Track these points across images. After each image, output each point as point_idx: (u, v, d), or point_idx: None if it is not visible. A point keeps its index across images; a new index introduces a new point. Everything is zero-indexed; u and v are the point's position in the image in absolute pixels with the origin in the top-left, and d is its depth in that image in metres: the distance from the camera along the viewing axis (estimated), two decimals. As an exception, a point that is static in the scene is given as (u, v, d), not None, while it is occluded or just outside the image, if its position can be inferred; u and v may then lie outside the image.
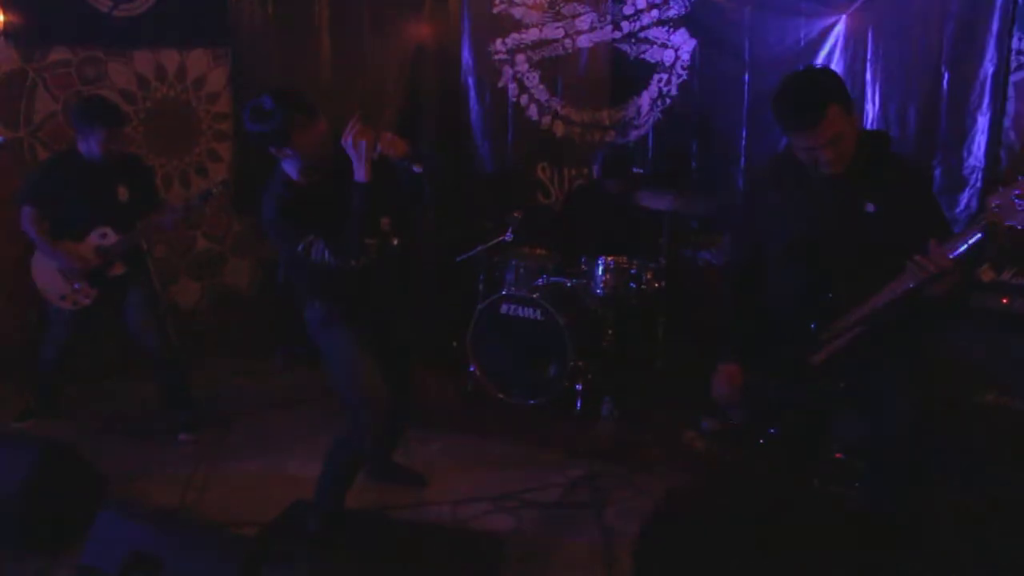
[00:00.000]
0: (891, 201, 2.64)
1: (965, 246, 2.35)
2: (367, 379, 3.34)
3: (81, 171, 4.31)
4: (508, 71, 6.12)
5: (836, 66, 4.98)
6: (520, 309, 5.01)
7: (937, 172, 4.86)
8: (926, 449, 2.64)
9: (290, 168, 3.26)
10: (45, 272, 4.43)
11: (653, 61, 5.63)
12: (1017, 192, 2.23)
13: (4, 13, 5.02)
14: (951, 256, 2.35)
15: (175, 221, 4.52)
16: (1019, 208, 2.21)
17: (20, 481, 3.43)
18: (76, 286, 4.41)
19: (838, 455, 3.94)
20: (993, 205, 2.25)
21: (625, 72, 5.77)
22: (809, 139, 2.60)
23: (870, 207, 2.65)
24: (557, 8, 5.89)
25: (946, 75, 4.77)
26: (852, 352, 2.64)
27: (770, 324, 2.87)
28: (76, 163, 4.32)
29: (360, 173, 3.10)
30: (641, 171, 5.70)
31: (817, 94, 2.59)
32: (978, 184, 4.77)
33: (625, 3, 5.65)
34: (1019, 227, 2.22)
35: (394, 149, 3.10)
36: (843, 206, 2.69)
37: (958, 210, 4.80)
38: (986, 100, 4.69)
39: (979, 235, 2.32)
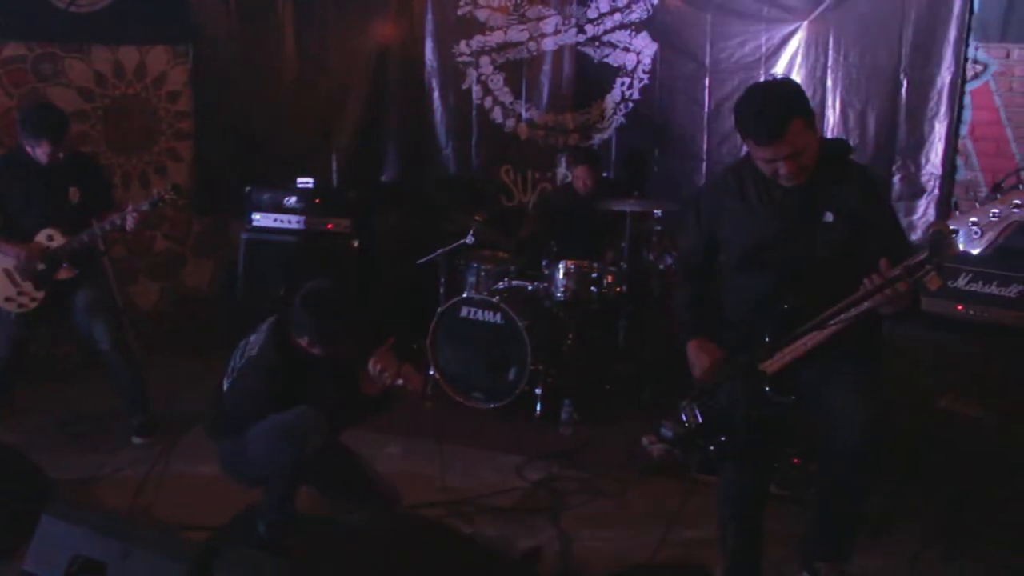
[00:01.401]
0: (849, 210, 2.65)
1: (909, 262, 2.36)
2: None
3: (30, 171, 4.24)
4: (472, 73, 6.11)
5: (797, 72, 5.04)
6: (480, 312, 4.99)
7: (896, 179, 4.92)
8: (877, 458, 2.65)
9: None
10: None
11: (616, 65, 5.66)
12: (973, 220, 2.24)
13: (-43, 8, 4.94)
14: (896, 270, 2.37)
15: (119, 226, 4.36)
16: (974, 236, 2.22)
17: (-36, 485, 3.36)
18: (21, 288, 4.32)
19: (795, 460, 3.96)
20: (940, 227, 2.26)
21: (589, 75, 5.79)
22: (770, 152, 2.61)
23: (828, 216, 2.65)
24: (522, 11, 5.89)
25: (905, 82, 4.84)
26: (805, 362, 2.64)
27: (724, 331, 2.88)
28: (25, 162, 4.25)
29: (369, 389, 3.40)
30: (605, 175, 5.72)
31: (780, 108, 2.59)
32: (936, 191, 4.84)
33: (589, 7, 5.67)
34: (974, 253, 2.22)
35: (410, 383, 3.43)
36: (802, 215, 2.69)
37: (915, 217, 4.86)
38: (943, 108, 4.76)
39: (923, 255, 2.33)
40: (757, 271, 2.78)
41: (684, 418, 2.84)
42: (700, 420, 2.76)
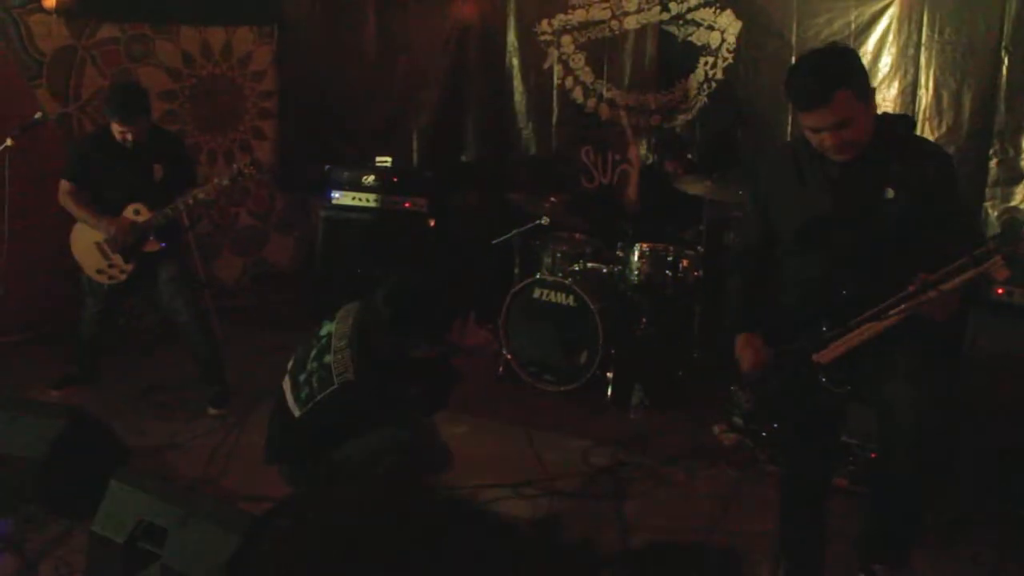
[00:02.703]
0: (910, 187, 2.51)
1: (957, 281, 2.22)
2: None
3: (117, 149, 4.40)
4: (553, 52, 6.04)
5: (888, 51, 4.79)
6: (553, 294, 4.96)
7: (992, 163, 4.63)
8: (935, 455, 2.51)
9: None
10: (83, 246, 4.53)
11: (699, 44, 5.49)
12: None
13: (57, -10, 5.13)
14: (942, 290, 2.24)
15: (204, 201, 4.53)
16: None
17: (46, 448, 3.50)
18: (112, 261, 4.49)
19: (873, 455, 3.81)
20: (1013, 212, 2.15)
21: (672, 55, 5.64)
22: (813, 119, 2.50)
23: (888, 192, 2.52)
24: (604, -11, 5.78)
25: (1006, 59, 4.53)
26: (862, 350, 2.52)
27: (779, 317, 2.77)
28: (112, 141, 4.40)
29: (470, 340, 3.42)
30: (689, 156, 5.58)
31: (825, 74, 2.48)
32: (1037, 177, 4.54)
33: (672, -16, 5.52)
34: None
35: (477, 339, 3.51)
36: (860, 192, 2.57)
37: (1013, 203, 4.57)
38: (1049, 86, 4.45)
39: (970, 273, 2.19)
40: (813, 252, 2.66)
41: (736, 404, 2.76)
42: (752, 406, 2.67)
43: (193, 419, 4.51)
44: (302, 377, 3.29)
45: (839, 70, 2.50)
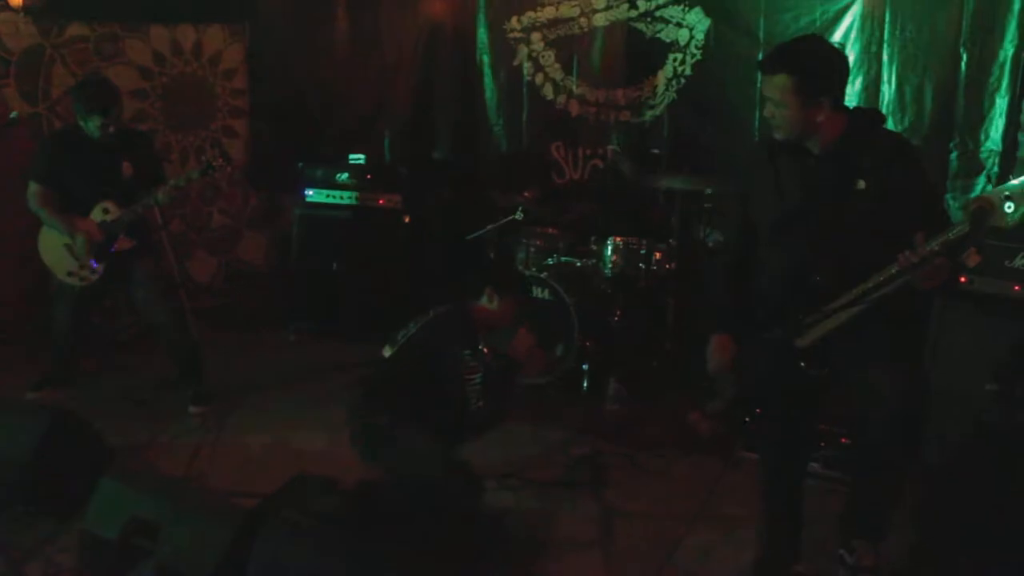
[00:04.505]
0: (881, 178, 2.62)
1: (948, 237, 2.34)
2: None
3: (85, 147, 4.36)
4: (523, 49, 6.09)
5: (852, 47, 4.91)
6: (528, 288, 5.01)
7: (953, 156, 4.78)
8: (912, 433, 2.62)
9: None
10: (51, 248, 4.50)
11: (668, 40, 5.58)
12: (1006, 194, 2.24)
13: (24, -11, 5.08)
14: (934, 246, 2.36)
15: (172, 196, 4.53)
16: (1007, 210, 2.22)
17: (30, 448, 3.50)
18: (81, 262, 4.46)
19: (843, 439, 3.92)
20: (981, 203, 2.26)
21: (641, 51, 5.72)
22: (764, 88, 2.75)
23: (860, 184, 2.64)
24: (573, -14, 5.85)
25: (964, 56, 4.68)
26: (839, 334, 2.63)
27: (759, 306, 2.87)
28: (80, 139, 4.36)
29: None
30: (656, 151, 5.67)
31: (781, 54, 2.73)
32: (995, 169, 4.69)
33: (641, -19, 5.61)
34: (1005, 224, 2.22)
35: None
36: (833, 183, 2.68)
37: (973, 195, 4.71)
38: (1005, 81, 4.59)
39: (962, 230, 2.31)
40: (789, 243, 2.78)
41: (719, 391, 2.86)
42: (736, 393, 2.77)
43: (174, 418, 4.52)
44: (401, 333, 3.56)
45: (794, 57, 2.69)
